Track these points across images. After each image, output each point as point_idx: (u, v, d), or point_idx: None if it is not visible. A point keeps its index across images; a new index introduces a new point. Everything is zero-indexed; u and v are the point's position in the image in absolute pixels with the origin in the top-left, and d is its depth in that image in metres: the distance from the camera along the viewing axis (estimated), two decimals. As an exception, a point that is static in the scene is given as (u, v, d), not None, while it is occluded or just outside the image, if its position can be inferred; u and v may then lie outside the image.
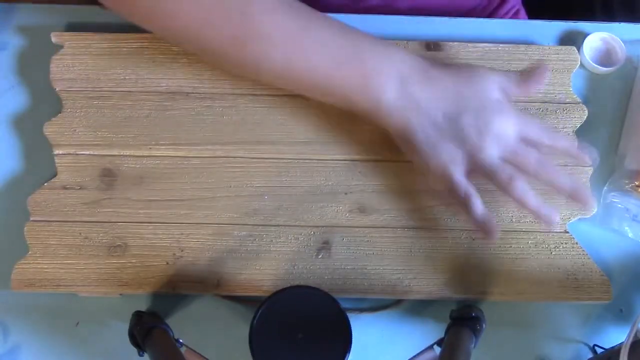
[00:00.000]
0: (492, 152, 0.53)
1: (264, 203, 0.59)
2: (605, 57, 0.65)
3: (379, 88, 0.53)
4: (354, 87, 0.54)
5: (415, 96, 0.54)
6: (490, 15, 0.82)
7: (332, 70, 0.53)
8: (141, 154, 0.59)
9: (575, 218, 0.59)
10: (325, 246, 0.58)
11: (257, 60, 0.53)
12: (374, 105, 0.54)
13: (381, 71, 0.53)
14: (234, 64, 0.56)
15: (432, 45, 0.63)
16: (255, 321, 0.49)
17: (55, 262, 0.56)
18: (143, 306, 0.57)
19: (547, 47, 0.64)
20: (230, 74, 0.61)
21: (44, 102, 0.62)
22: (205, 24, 0.52)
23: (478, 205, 0.54)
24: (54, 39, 0.62)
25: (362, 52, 0.54)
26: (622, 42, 0.65)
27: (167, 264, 0.57)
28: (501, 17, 0.81)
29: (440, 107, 0.54)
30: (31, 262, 0.56)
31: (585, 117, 0.62)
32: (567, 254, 0.58)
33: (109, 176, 0.59)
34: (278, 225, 0.58)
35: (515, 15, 0.82)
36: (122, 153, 0.59)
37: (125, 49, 0.62)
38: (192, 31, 0.53)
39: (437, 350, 0.53)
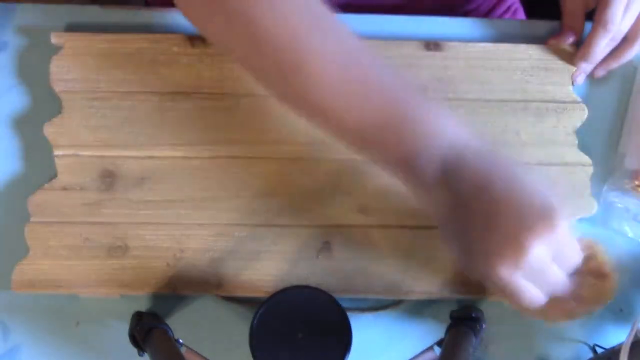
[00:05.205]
0: None
1: (264, 203, 0.59)
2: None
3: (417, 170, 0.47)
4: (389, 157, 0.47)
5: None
6: (488, 13, 0.82)
7: (366, 133, 0.47)
8: (141, 155, 0.59)
9: (576, 218, 0.59)
10: (325, 246, 0.58)
11: (297, 93, 0.48)
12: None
13: (420, 155, 0.46)
14: (280, 95, 0.50)
15: (432, 45, 0.63)
16: (255, 321, 0.49)
17: (55, 263, 0.56)
18: (143, 307, 0.57)
19: (547, 47, 0.64)
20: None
21: (44, 102, 0.62)
22: (255, 47, 0.47)
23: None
24: (53, 40, 0.62)
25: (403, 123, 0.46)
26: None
27: (168, 264, 0.57)
28: (499, 16, 0.81)
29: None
30: (31, 262, 0.56)
31: (585, 116, 0.62)
32: (567, 254, 0.58)
33: (109, 177, 0.59)
34: (278, 226, 0.58)
35: (513, 15, 0.83)
36: (122, 154, 0.59)
37: (125, 50, 0.62)
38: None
39: (437, 350, 0.53)
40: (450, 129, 0.47)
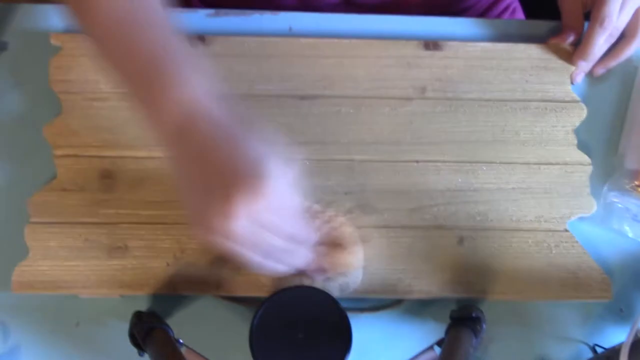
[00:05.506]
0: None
1: (264, 203, 0.58)
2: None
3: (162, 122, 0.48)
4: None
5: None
6: (486, 11, 0.82)
7: (125, 78, 0.50)
8: (141, 155, 0.59)
9: (575, 217, 0.59)
10: (325, 246, 0.58)
11: (79, 20, 0.51)
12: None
13: (161, 113, 0.48)
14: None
15: (431, 45, 0.63)
16: (255, 321, 0.49)
17: (55, 263, 0.56)
18: (143, 306, 0.57)
19: (547, 46, 0.64)
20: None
21: (44, 103, 0.62)
22: None
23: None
24: (53, 41, 0.62)
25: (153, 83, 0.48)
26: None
27: (168, 265, 0.57)
28: (498, 15, 0.81)
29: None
30: (31, 263, 0.56)
31: (585, 116, 0.62)
32: (568, 253, 0.58)
33: (108, 177, 0.59)
34: (278, 226, 0.58)
35: (512, 14, 0.83)
36: (121, 154, 0.59)
37: (124, 50, 0.62)
38: None
39: (437, 350, 0.53)
40: (191, 94, 0.47)
